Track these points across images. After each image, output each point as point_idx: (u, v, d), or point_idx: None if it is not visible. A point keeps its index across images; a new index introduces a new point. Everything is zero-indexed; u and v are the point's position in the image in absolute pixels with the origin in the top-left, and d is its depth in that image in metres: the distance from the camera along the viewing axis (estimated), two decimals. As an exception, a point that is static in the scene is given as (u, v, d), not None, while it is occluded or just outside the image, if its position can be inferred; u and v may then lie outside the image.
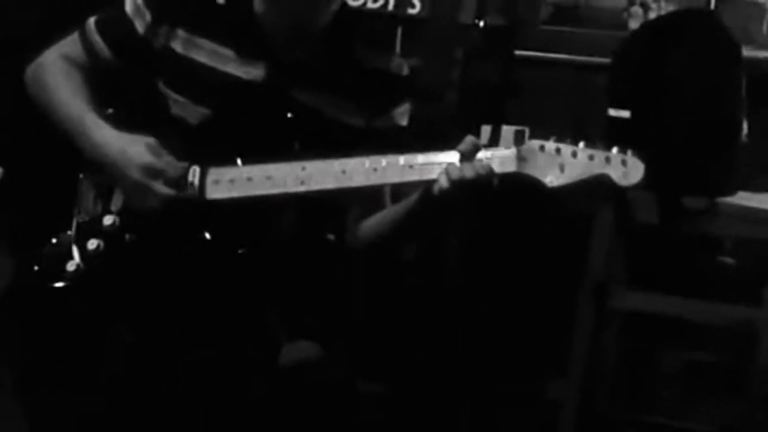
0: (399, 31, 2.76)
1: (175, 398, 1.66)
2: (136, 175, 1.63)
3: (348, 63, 1.76)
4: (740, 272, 2.75)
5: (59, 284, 1.69)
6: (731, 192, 2.53)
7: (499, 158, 1.54)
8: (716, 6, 2.81)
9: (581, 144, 1.51)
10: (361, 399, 2.39)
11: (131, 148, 1.65)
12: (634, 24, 2.82)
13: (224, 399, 1.68)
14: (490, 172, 1.53)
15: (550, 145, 1.52)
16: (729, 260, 2.81)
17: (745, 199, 2.57)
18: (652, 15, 2.82)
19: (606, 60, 2.59)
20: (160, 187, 1.64)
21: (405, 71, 1.83)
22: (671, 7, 2.81)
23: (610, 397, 2.78)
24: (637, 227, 2.59)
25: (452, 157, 1.55)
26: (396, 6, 2.73)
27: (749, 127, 2.46)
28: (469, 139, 1.56)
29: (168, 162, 1.65)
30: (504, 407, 2.72)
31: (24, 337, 1.72)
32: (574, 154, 1.52)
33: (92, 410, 1.67)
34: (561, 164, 1.53)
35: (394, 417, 2.57)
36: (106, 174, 1.72)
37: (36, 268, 1.70)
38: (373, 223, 1.77)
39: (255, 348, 1.73)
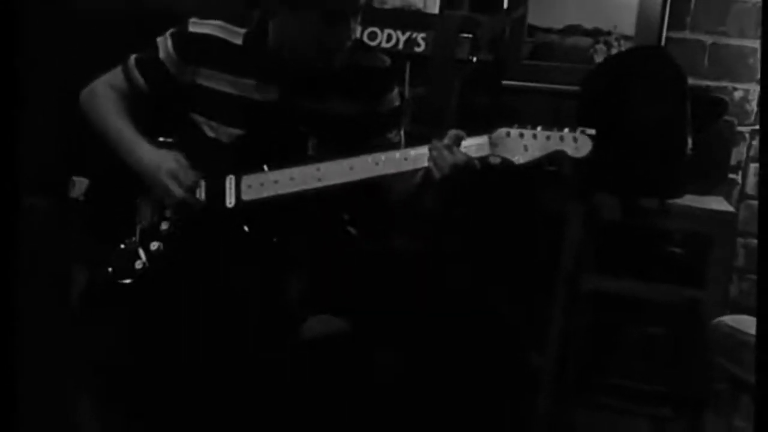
0: (408, 66, 2.77)
1: (222, 367, 1.68)
2: (163, 177, 1.66)
3: (346, 69, 1.78)
4: (687, 260, 2.72)
5: (130, 280, 1.72)
6: (679, 195, 2.52)
7: (475, 144, 1.57)
8: (666, 43, 2.80)
9: (539, 128, 1.55)
10: (378, 367, 2.41)
11: (164, 158, 1.68)
12: (598, 58, 2.77)
13: (258, 368, 1.71)
14: (466, 156, 1.56)
15: (514, 131, 1.56)
16: (678, 250, 2.76)
17: (690, 200, 2.55)
18: (614, 51, 2.81)
19: (576, 88, 2.57)
20: (177, 189, 1.67)
21: (388, 63, 1.84)
22: (629, 45, 2.81)
23: (581, 364, 2.76)
24: (603, 223, 2.57)
25: None
26: (404, 45, 2.74)
27: (693, 143, 2.45)
28: (453, 132, 1.59)
29: (186, 171, 1.68)
30: (494, 374, 2.72)
31: (101, 329, 1.75)
32: (535, 136, 1.56)
33: (160, 385, 1.70)
34: (525, 145, 1.56)
35: (406, 383, 2.57)
36: (146, 183, 1.74)
37: (110, 269, 1.73)
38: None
39: (284, 320, 1.75)
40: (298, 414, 1.75)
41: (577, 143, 1.54)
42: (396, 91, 1.84)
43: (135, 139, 1.74)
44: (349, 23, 1.67)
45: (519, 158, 1.56)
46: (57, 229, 2.07)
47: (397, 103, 1.83)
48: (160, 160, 1.70)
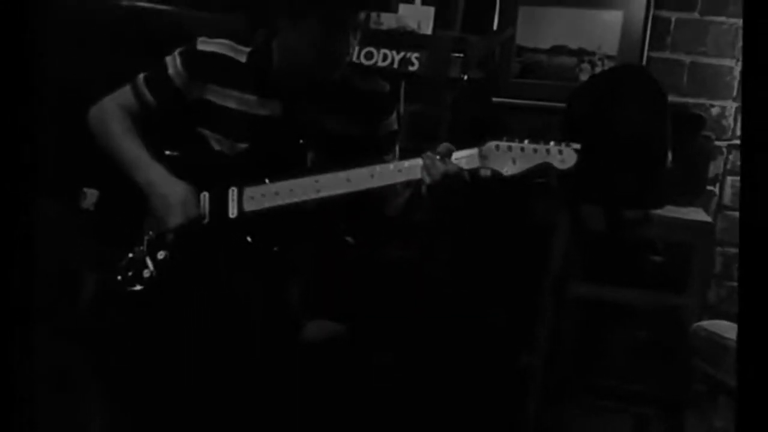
0: (402, 84, 2.78)
1: (222, 365, 1.66)
2: (167, 207, 1.68)
3: (347, 91, 1.79)
4: (668, 267, 2.72)
5: (138, 288, 1.71)
6: (660, 206, 2.53)
7: (466, 157, 1.57)
8: (647, 62, 2.81)
9: (526, 141, 1.55)
10: (374, 369, 2.41)
11: (173, 190, 1.68)
12: (583, 77, 2.80)
13: (259, 370, 1.68)
14: (456, 167, 1.56)
15: (503, 144, 1.56)
16: (659, 258, 2.78)
17: (671, 211, 2.56)
18: (598, 70, 2.82)
19: (562, 104, 2.59)
20: (173, 220, 1.68)
21: (387, 89, 1.85)
22: (612, 64, 2.82)
23: (569, 365, 2.77)
24: (589, 233, 2.58)
25: None
26: (399, 65, 2.75)
27: (673, 156, 2.46)
28: (444, 145, 1.59)
29: (189, 208, 1.69)
30: (486, 375, 2.72)
31: (111, 332, 1.72)
32: (522, 149, 1.56)
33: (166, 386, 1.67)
34: (513, 158, 1.55)
35: (400, 383, 2.56)
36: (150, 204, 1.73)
37: (119, 277, 1.72)
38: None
39: (284, 324, 1.73)
40: (298, 413, 1.74)
41: (562, 155, 1.54)
42: (394, 116, 1.85)
43: (148, 162, 1.74)
44: (347, 36, 1.67)
45: (507, 170, 1.55)
46: (68, 237, 2.07)
47: (395, 127, 1.83)
48: (169, 191, 1.70)
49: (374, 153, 1.77)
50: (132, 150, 1.76)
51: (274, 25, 1.72)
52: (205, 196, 1.69)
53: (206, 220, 1.69)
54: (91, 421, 1.82)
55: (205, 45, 1.77)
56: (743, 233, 1.08)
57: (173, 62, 1.78)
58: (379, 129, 1.79)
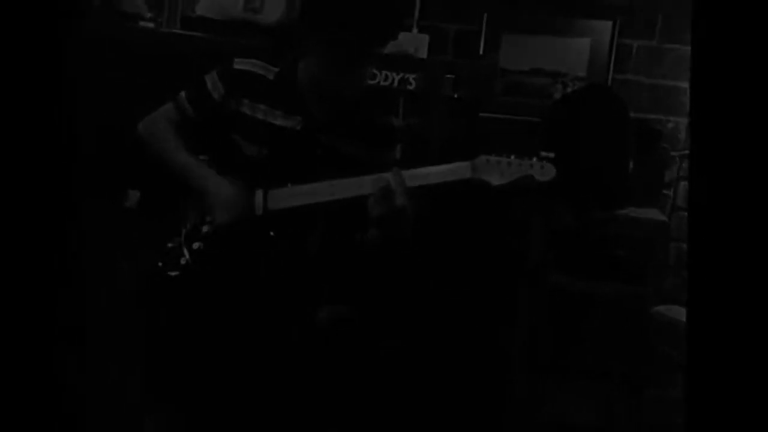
0: (401, 100, 2.80)
1: (248, 344, 1.69)
2: (217, 205, 1.71)
3: (361, 117, 1.79)
4: (630, 261, 2.74)
5: (175, 273, 1.73)
6: (623, 207, 2.58)
7: (459, 168, 1.60)
8: (612, 83, 2.86)
9: (512, 156, 1.58)
10: (378, 347, 2.41)
11: (228, 189, 1.72)
12: (557, 95, 2.85)
13: (277, 345, 1.71)
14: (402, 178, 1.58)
15: (492, 158, 1.57)
16: (622, 252, 2.79)
17: (632, 211, 2.62)
18: (569, 89, 2.86)
19: (539, 119, 2.65)
20: (224, 217, 1.71)
21: (396, 123, 1.88)
22: (582, 84, 2.86)
23: (543, 348, 2.78)
24: (561, 231, 2.61)
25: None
26: (398, 84, 2.77)
27: (634, 164, 2.51)
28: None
29: (244, 201, 1.71)
30: (472, 356, 2.75)
31: (152, 311, 1.74)
32: (509, 164, 1.56)
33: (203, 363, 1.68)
34: (500, 171, 1.56)
35: (406, 363, 2.59)
36: (201, 197, 1.74)
37: (159, 264, 1.74)
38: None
39: (301, 308, 1.76)
40: (315, 384, 1.77)
41: (543, 169, 1.57)
42: (399, 146, 1.86)
43: (200, 167, 1.76)
44: (368, 64, 1.70)
45: (495, 181, 1.58)
46: (115, 231, 2.10)
47: (397, 156, 1.85)
48: (221, 191, 1.71)
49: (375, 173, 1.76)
50: (184, 158, 1.78)
51: (301, 49, 1.75)
52: None
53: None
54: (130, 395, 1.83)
55: (240, 64, 1.79)
56: (691, 230, 1.12)
57: (212, 79, 1.79)
58: (383, 156, 1.82)
